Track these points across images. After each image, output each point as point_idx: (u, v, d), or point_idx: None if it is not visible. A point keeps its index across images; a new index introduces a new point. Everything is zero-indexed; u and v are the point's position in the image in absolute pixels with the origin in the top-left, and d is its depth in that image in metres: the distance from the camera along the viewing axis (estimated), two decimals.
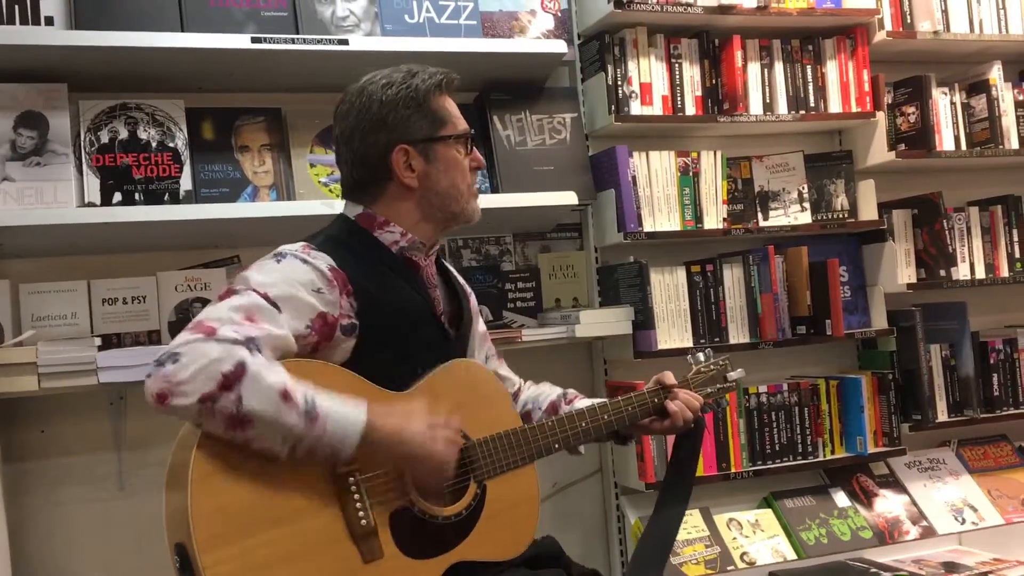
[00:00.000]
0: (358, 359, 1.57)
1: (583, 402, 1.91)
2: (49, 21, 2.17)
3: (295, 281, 1.51)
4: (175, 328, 2.29)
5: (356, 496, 1.48)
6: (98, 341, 2.10)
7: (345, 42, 2.29)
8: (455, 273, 1.88)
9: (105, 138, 2.23)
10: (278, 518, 1.41)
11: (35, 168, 2.14)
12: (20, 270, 2.28)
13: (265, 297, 1.46)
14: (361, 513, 1.47)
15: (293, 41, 2.24)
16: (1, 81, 2.14)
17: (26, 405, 2.27)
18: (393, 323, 1.61)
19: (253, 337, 1.40)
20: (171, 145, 2.27)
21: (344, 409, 1.44)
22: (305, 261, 1.55)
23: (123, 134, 2.24)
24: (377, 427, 1.45)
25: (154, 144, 2.26)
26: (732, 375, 2.03)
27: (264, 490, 1.41)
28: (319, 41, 2.27)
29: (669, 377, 1.90)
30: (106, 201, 2.20)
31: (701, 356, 2.01)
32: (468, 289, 1.90)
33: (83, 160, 2.20)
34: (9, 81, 2.14)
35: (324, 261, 1.56)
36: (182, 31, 2.22)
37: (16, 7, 2.16)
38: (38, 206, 2.12)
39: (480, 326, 1.91)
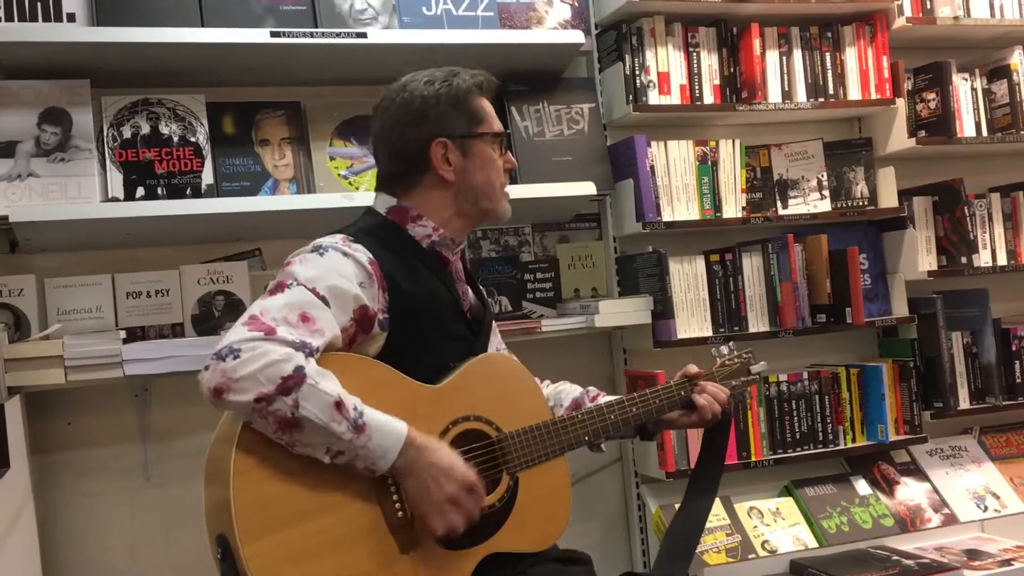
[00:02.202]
0: (390, 353, 1.59)
1: (608, 399, 1.91)
2: (71, 18, 2.20)
3: (339, 274, 1.54)
4: (198, 321, 2.32)
5: (392, 488, 1.50)
6: (123, 334, 2.13)
7: (363, 35, 2.30)
8: (477, 282, 1.90)
9: (127, 133, 2.25)
10: (317, 510, 1.43)
11: (59, 164, 2.16)
12: (45, 265, 2.30)
13: (314, 292, 1.49)
14: (398, 504, 1.50)
15: (312, 35, 2.26)
16: (25, 78, 2.17)
17: (53, 398, 2.30)
18: (421, 316, 1.63)
19: (308, 342, 1.44)
20: (192, 139, 2.29)
21: (387, 423, 1.46)
22: (346, 254, 1.57)
23: (145, 129, 2.26)
24: (416, 442, 1.48)
25: (176, 139, 2.28)
26: (756, 368, 2.03)
27: (303, 482, 1.43)
28: (338, 34, 2.28)
29: (694, 369, 1.91)
30: (129, 196, 2.22)
31: (724, 349, 2.02)
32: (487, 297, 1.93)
33: (106, 155, 2.22)
34: (33, 78, 2.17)
35: (364, 254, 1.58)
36: (202, 26, 2.24)
37: (39, 4, 2.18)
38: (62, 201, 2.15)
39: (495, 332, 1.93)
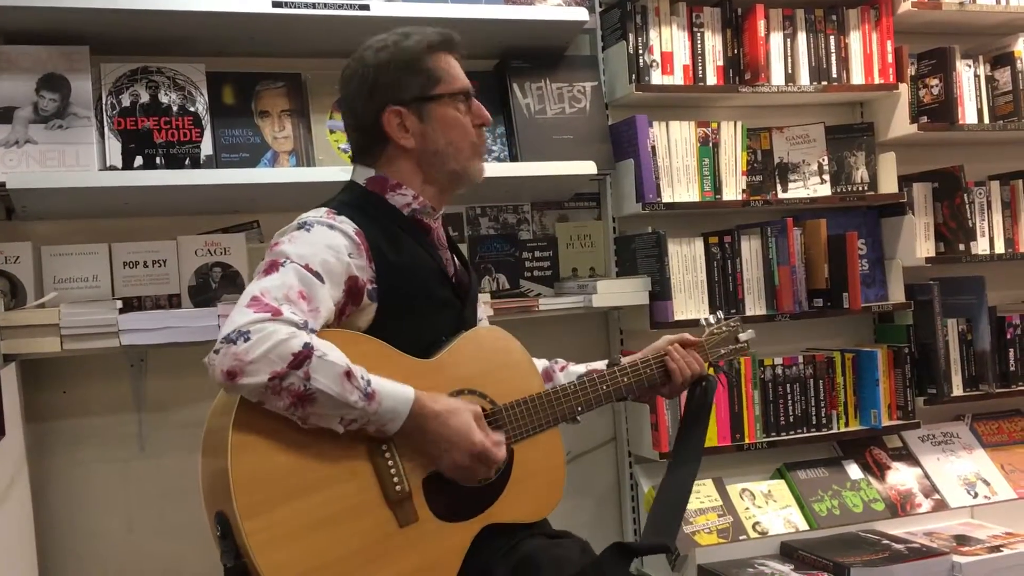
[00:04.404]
0: (381, 325, 1.59)
1: (577, 366, 1.94)
2: None
3: (328, 248, 1.53)
4: (195, 292, 2.31)
5: (390, 463, 1.50)
6: (119, 304, 2.12)
7: (366, 7, 2.28)
8: (459, 246, 1.89)
9: (127, 101, 2.23)
10: (316, 485, 1.44)
11: (57, 131, 2.15)
12: (42, 232, 2.30)
13: (308, 269, 1.49)
14: (396, 479, 1.50)
15: (314, 6, 2.24)
16: (24, 43, 2.14)
17: (49, 366, 2.29)
18: (409, 284, 1.63)
19: (309, 321, 1.44)
20: (192, 109, 2.27)
21: (395, 388, 1.48)
22: (332, 227, 1.57)
23: (144, 98, 2.24)
24: (425, 405, 1.49)
25: (175, 108, 2.26)
26: (743, 336, 2.05)
27: (301, 457, 1.43)
28: (340, 6, 2.26)
29: (687, 338, 1.93)
30: (127, 165, 2.21)
31: (712, 319, 2.05)
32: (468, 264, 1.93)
33: (105, 123, 2.21)
34: (32, 43, 2.14)
35: (349, 225, 1.58)
36: None
37: None
38: (60, 169, 2.13)
39: (481, 295, 1.93)
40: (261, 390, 1.38)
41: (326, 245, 1.53)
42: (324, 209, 1.62)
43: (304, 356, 1.38)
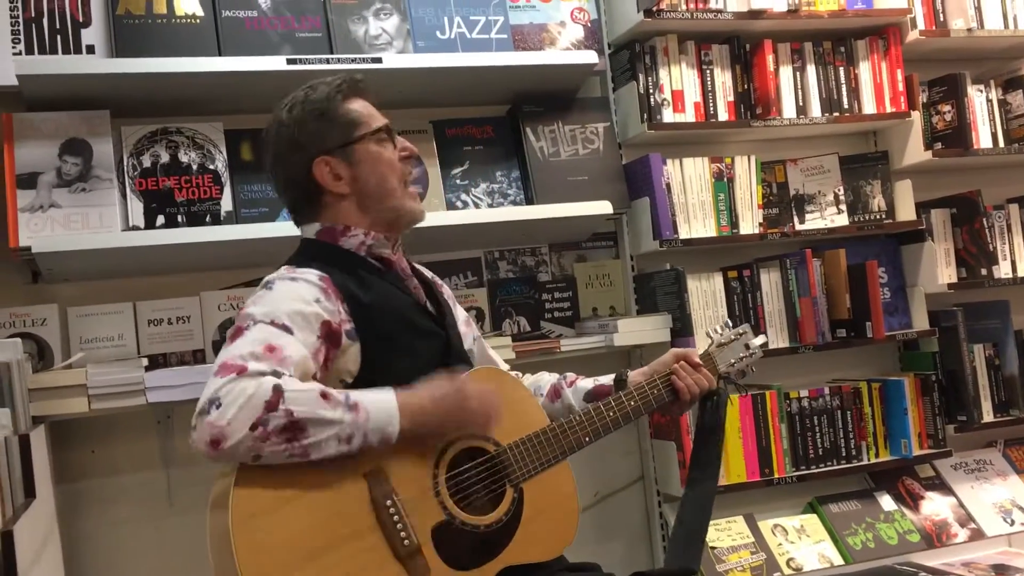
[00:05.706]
0: (370, 364, 1.61)
1: (585, 381, 1.93)
2: (91, 50, 2.23)
3: (293, 299, 1.55)
4: (219, 347, 2.32)
5: (395, 517, 1.49)
6: (145, 362, 2.13)
7: (379, 60, 2.32)
8: (421, 268, 1.91)
9: (147, 162, 2.27)
10: (323, 549, 1.43)
11: (80, 194, 2.18)
12: (68, 294, 2.32)
13: (273, 324, 1.51)
14: (403, 533, 1.49)
15: (328, 61, 2.28)
16: (46, 109, 2.19)
17: (77, 426, 2.31)
18: (386, 320, 1.64)
19: (279, 370, 1.46)
20: (211, 167, 2.31)
21: (375, 393, 1.51)
22: (294, 279, 1.60)
23: (164, 158, 2.28)
24: (409, 398, 1.52)
25: (195, 167, 2.30)
26: (755, 342, 2.02)
27: (305, 523, 1.43)
28: (353, 60, 2.30)
29: (692, 354, 1.91)
30: (150, 224, 2.24)
31: (718, 328, 2.03)
32: (439, 280, 1.93)
33: (126, 184, 2.24)
34: (53, 109, 2.19)
35: (311, 273, 1.61)
36: (219, 55, 2.26)
37: (59, 37, 2.22)
38: (84, 231, 2.16)
39: (460, 312, 1.94)
40: (249, 444, 1.38)
41: (290, 298, 1.55)
42: (284, 267, 1.65)
43: (276, 397, 1.40)
